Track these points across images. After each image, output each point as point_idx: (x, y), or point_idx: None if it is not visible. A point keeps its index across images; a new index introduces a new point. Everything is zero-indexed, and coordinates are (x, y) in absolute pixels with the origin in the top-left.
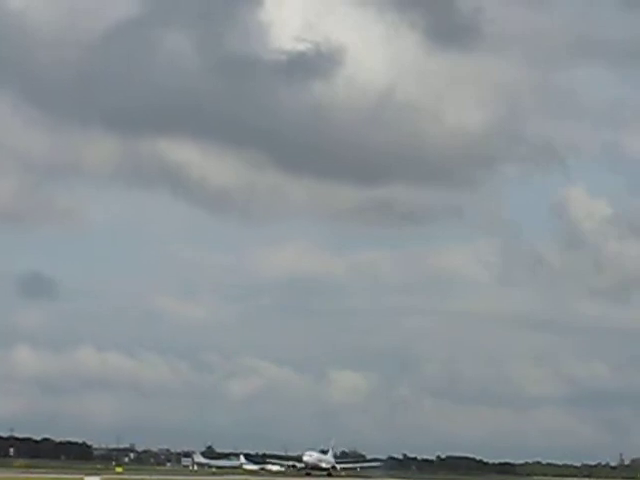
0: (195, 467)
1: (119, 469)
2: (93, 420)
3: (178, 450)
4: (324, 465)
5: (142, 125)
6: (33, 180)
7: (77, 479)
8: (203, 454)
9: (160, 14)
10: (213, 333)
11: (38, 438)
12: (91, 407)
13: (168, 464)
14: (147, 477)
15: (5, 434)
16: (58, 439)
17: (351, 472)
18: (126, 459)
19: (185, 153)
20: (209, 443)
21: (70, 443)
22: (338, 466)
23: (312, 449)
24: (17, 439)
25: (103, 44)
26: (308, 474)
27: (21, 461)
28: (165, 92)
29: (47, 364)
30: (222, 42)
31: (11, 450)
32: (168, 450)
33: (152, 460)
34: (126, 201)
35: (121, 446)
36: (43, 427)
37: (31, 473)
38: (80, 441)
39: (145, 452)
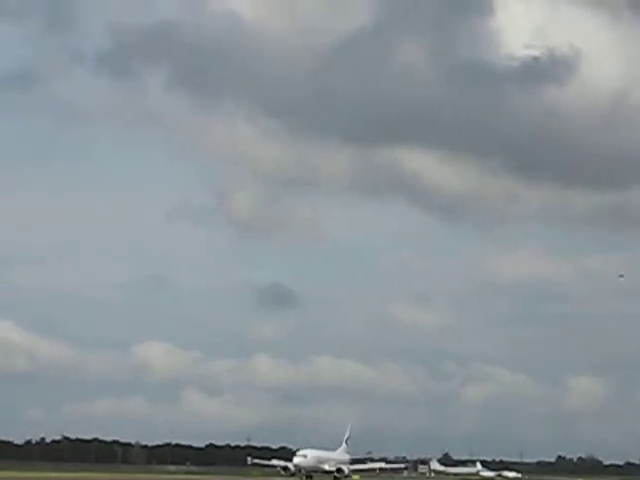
0: (432, 474)
1: (356, 477)
2: (330, 428)
3: (414, 457)
4: (327, 467)
5: (377, 135)
6: (272, 192)
7: None
8: (440, 461)
9: (393, 25)
10: (448, 340)
11: (275, 447)
12: (328, 415)
13: (404, 472)
14: None
15: (242, 443)
16: (295, 447)
17: (370, 474)
18: None
19: (420, 162)
20: (446, 450)
21: None
22: (347, 468)
23: (312, 446)
24: (254, 448)
25: (338, 56)
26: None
27: (258, 470)
28: (399, 102)
29: (285, 373)
30: (454, 50)
31: (248, 459)
32: (405, 457)
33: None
34: (362, 211)
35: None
36: (280, 436)
37: None
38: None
39: (381, 460)
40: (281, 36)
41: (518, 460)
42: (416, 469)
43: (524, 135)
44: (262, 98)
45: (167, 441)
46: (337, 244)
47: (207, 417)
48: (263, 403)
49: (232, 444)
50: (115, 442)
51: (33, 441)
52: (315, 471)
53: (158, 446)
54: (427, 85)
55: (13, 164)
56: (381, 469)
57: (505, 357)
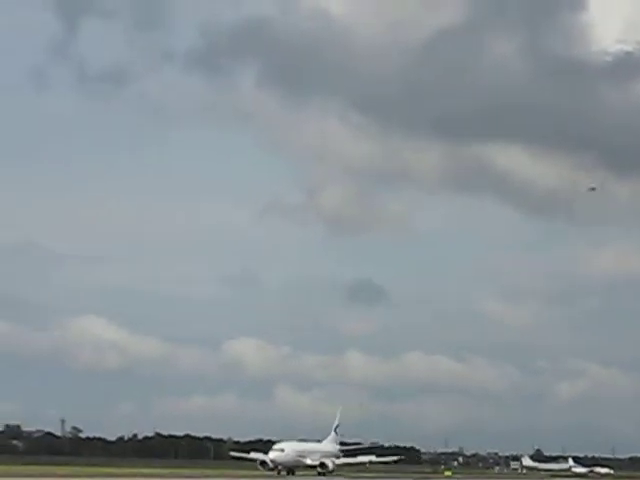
0: (524, 470)
1: (448, 473)
2: (422, 424)
3: (506, 453)
4: (309, 462)
5: (468, 131)
6: (362, 188)
7: None
8: (532, 457)
9: (484, 19)
10: (540, 336)
11: (367, 443)
12: (420, 411)
13: (496, 468)
14: None
15: None
16: (387, 444)
17: (359, 468)
18: (455, 463)
19: (511, 157)
20: (537, 446)
21: (398, 447)
22: (332, 461)
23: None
24: (345, 443)
25: (428, 51)
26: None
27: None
28: (490, 97)
29: (376, 369)
30: (546, 45)
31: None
32: (496, 454)
33: (480, 464)
34: (452, 207)
35: (449, 450)
36: (372, 432)
37: (360, 478)
38: (409, 445)
39: (473, 456)
40: (371, 32)
41: (610, 456)
42: (508, 465)
43: (617, 130)
44: (352, 94)
45: (259, 437)
46: (427, 240)
47: (298, 413)
48: (354, 399)
49: (322, 440)
50: (207, 438)
51: (125, 437)
52: (297, 466)
53: (250, 442)
54: (518, 80)
55: (103, 162)
56: (372, 462)
57: (597, 352)
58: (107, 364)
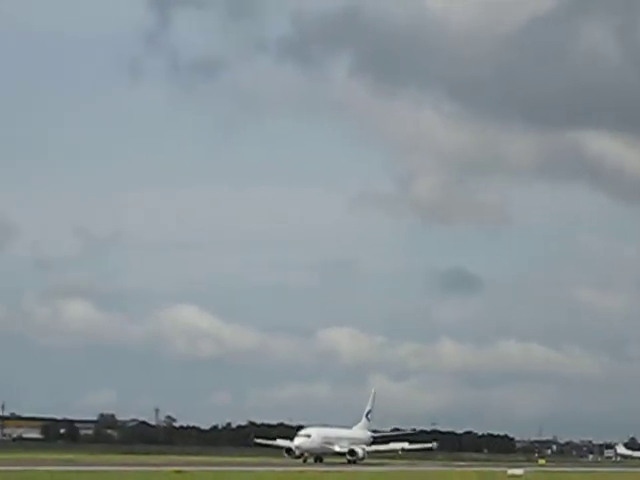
0: (618, 458)
1: (542, 461)
2: (515, 412)
3: (600, 442)
4: (337, 449)
5: (562, 118)
6: (455, 177)
7: (500, 472)
8: (626, 445)
9: (578, 5)
10: (634, 322)
11: (460, 431)
12: (513, 400)
13: (590, 456)
14: (569, 469)
15: (428, 428)
16: (480, 432)
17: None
18: (548, 451)
19: (605, 145)
20: (632, 434)
21: (492, 436)
22: (362, 449)
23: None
24: (440, 432)
25: (522, 38)
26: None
27: (443, 454)
28: (584, 84)
29: (470, 357)
30: (638, 31)
31: (434, 444)
32: (590, 442)
33: (574, 452)
34: (546, 194)
35: (543, 438)
36: (466, 420)
37: (454, 467)
38: (502, 434)
39: (567, 444)
40: (465, 19)
41: None
42: (602, 453)
43: None
44: (446, 82)
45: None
46: (521, 228)
47: (392, 402)
48: (448, 387)
49: (417, 428)
50: (300, 427)
51: (219, 426)
52: (324, 453)
53: None
54: (612, 67)
55: (196, 151)
56: (404, 450)
57: None
58: (201, 353)
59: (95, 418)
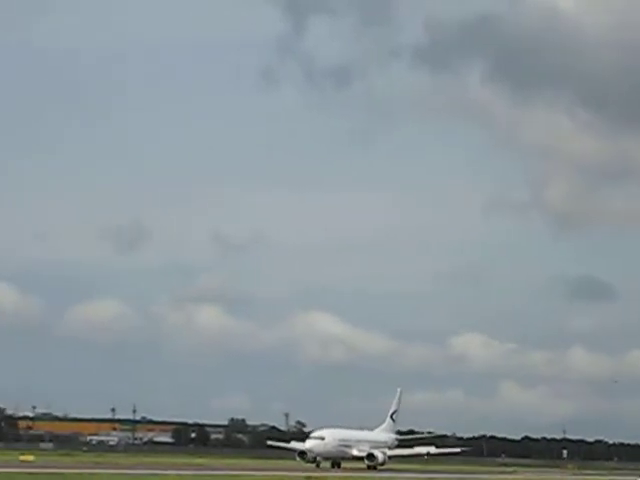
0: None
1: None
2: None
3: None
4: (355, 452)
5: None
6: (589, 183)
7: None
8: None
9: None
10: None
11: (591, 440)
12: None
13: None
14: None
15: (558, 436)
16: (611, 440)
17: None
18: None
19: None
20: None
21: (623, 445)
22: (382, 453)
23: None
24: (570, 441)
25: None
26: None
27: (573, 463)
28: None
29: (602, 366)
30: None
31: (564, 452)
32: None
33: None
34: None
35: None
36: (596, 429)
37: (583, 475)
38: (633, 442)
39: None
40: (599, 28)
41: None
42: None
43: None
44: (581, 91)
45: (482, 433)
46: None
47: (523, 409)
48: (579, 396)
49: (548, 437)
50: (429, 433)
51: None
52: (341, 457)
53: (473, 438)
54: None
55: (330, 157)
56: (429, 454)
57: None
58: (332, 359)
59: (226, 423)
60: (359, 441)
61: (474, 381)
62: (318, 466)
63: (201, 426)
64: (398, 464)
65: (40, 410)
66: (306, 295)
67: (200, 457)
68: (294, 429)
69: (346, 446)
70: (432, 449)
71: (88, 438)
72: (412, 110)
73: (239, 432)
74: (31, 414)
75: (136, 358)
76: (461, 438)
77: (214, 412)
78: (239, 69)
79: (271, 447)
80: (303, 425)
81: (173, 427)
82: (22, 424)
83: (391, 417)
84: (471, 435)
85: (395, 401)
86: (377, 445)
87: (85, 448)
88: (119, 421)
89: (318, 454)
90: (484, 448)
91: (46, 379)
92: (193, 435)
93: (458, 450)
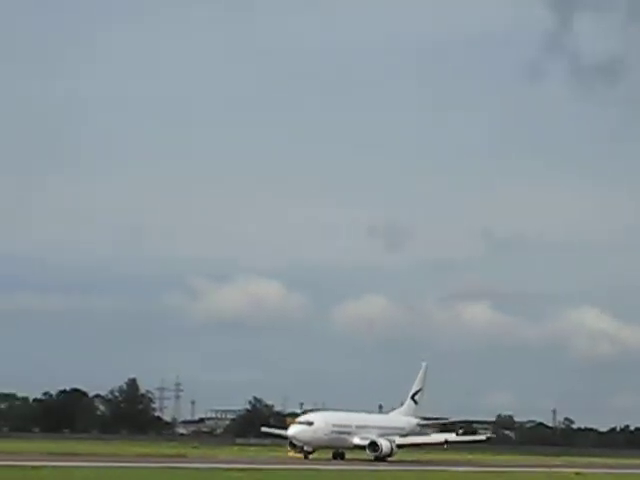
0: None
1: None
2: None
3: None
4: (357, 441)
5: None
6: None
7: None
8: None
9: None
10: None
11: None
12: None
13: None
14: None
15: None
16: None
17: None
18: None
19: None
20: None
21: None
22: (390, 442)
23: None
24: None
25: None
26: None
27: None
28: None
29: None
30: None
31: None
32: None
33: None
34: None
35: None
36: None
37: None
38: None
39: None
40: None
41: None
42: None
43: None
44: None
45: None
46: None
47: None
48: None
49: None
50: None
51: (617, 428)
52: (339, 446)
53: None
54: None
55: (590, 152)
56: (448, 442)
57: None
58: (601, 355)
59: (493, 419)
60: (363, 427)
61: None
62: (306, 457)
63: (469, 422)
64: (418, 454)
65: (307, 407)
66: (574, 290)
67: (469, 454)
68: (562, 426)
69: (344, 433)
70: (452, 436)
71: None
72: None
73: (506, 428)
74: (299, 410)
75: (399, 356)
76: None
77: (482, 408)
78: (505, 65)
79: (268, 434)
80: (571, 422)
81: (440, 423)
82: (290, 420)
83: (412, 398)
84: None
85: (418, 379)
86: (389, 432)
87: None
88: None
89: (305, 443)
90: None
91: (310, 376)
92: (460, 431)
93: (483, 437)
